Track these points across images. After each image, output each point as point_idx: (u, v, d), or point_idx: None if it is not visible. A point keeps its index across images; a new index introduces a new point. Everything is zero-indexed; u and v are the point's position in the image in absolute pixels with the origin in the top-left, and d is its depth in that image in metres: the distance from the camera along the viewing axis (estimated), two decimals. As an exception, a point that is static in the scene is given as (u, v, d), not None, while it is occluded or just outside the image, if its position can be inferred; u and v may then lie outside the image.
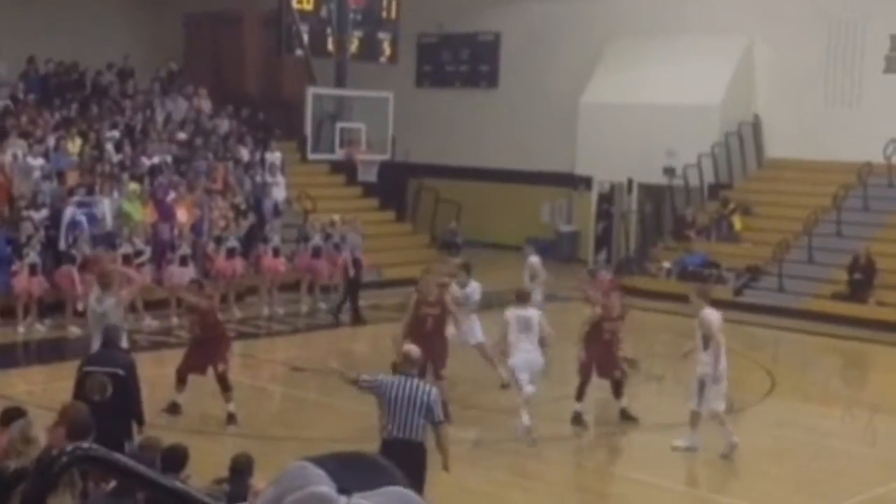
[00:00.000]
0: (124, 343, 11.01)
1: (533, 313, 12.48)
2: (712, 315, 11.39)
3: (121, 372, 9.18)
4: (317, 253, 20.81)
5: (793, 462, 12.20)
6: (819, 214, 22.61)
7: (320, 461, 1.57)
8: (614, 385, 12.96)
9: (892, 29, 23.52)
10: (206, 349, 12.49)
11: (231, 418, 12.40)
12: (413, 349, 9.28)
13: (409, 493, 1.55)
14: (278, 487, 1.57)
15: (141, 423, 9.54)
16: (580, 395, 12.87)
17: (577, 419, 12.85)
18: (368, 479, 1.53)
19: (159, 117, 24.23)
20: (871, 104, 23.73)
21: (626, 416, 12.97)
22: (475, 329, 14.38)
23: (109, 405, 8.72)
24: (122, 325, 11.30)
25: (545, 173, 27.40)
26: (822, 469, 11.64)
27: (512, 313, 12.29)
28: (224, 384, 12.42)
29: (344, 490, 1.53)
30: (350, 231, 20.82)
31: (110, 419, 8.28)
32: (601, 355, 12.80)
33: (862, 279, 20.72)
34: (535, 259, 17.94)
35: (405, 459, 8.21)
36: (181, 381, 12.48)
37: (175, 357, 13.06)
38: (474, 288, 14.60)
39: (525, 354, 12.12)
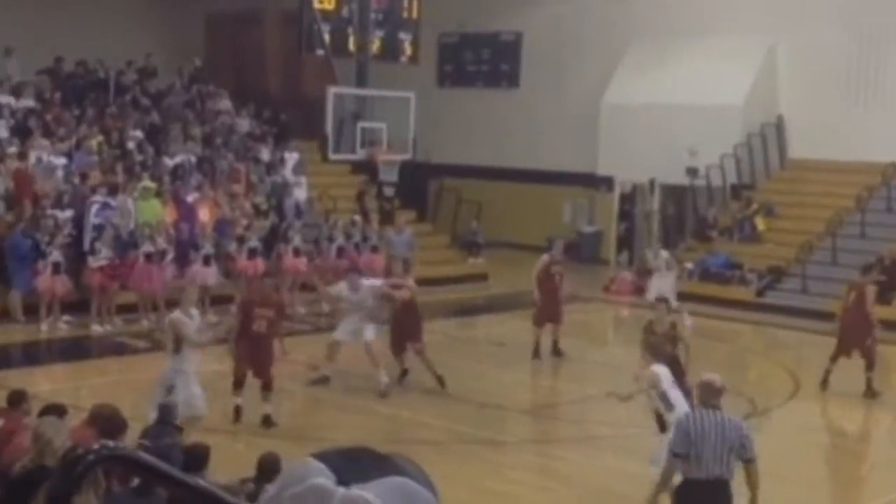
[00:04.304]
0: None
1: None
2: None
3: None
4: (340, 253, 20.86)
5: (816, 466, 12.10)
6: (842, 215, 22.47)
7: (323, 455, 1.61)
8: None
9: (917, 29, 23.35)
10: (265, 347, 12.39)
11: (268, 420, 12.37)
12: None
13: (410, 483, 1.57)
14: (280, 483, 1.62)
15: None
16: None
17: None
18: (370, 471, 1.57)
19: (191, 117, 24.26)
20: (895, 105, 23.55)
21: None
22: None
23: None
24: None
25: (566, 173, 27.33)
26: (845, 472, 11.54)
27: None
28: (270, 384, 12.43)
29: (343, 482, 1.56)
30: (393, 233, 21.19)
31: None
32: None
33: (886, 281, 20.53)
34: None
35: (711, 500, 7.69)
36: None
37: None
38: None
39: None
